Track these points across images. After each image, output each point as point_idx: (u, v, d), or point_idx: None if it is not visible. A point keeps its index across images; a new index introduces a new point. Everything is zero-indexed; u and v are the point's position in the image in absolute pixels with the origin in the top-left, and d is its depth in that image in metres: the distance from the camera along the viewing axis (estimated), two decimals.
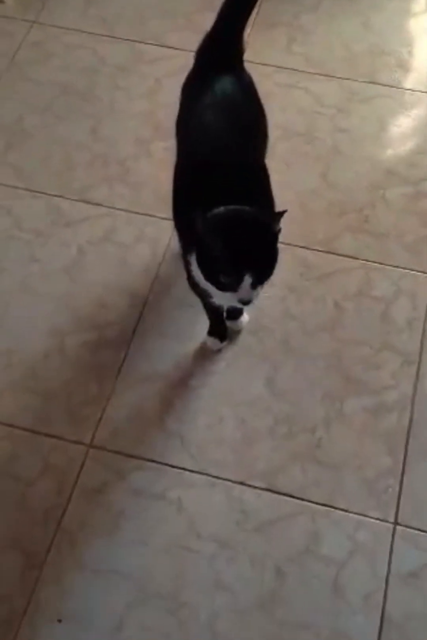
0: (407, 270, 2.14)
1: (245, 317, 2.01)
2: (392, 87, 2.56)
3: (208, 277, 1.59)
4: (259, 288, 1.57)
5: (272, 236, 1.58)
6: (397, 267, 2.15)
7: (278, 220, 1.57)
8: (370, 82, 2.57)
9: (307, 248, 2.18)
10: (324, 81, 2.58)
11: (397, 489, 1.80)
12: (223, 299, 1.66)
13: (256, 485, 1.80)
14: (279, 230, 1.58)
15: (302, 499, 1.79)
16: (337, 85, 2.56)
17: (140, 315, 2.07)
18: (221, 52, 1.86)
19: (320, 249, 2.18)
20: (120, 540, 1.74)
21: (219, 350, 2.00)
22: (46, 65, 2.64)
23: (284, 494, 1.79)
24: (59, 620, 1.65)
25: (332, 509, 1.78)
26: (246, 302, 1.59)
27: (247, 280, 1.54)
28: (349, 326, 2.05)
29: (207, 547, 1.73)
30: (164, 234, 2.21)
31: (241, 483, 1.81)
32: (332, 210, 2.25)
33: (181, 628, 1.64)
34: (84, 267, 2.17)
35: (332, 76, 2.59)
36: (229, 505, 1.78)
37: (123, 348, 2.01)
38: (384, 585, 1.69)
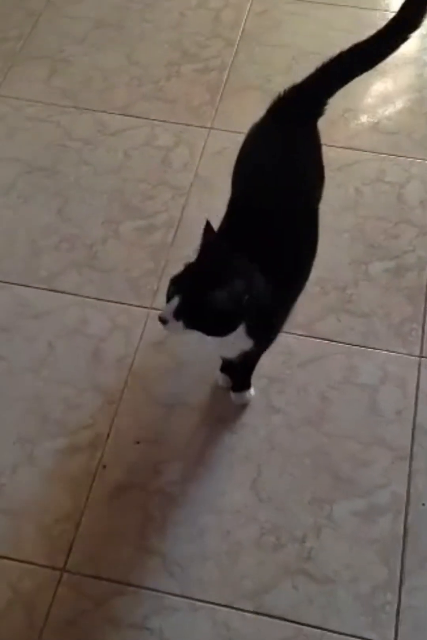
0: (393, 353, 2.03)
1: (251, 392, 1.93)
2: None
3: None
4: (183, 326, 1.53)
5: (213, 298, 1.52)
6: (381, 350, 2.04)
7: (227, 297, 1.51)
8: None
9: (289, 332, 2.05)
10: None
11: (395, 606, 1.67)
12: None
13: (244, 607, 1.68)
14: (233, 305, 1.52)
15: (294, 622, 1.66)
16: None
17: (114, 414, 1.94)
18: (304, 106, 1.83)
19: (300, 334, 2.07)
20: None
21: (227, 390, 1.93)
22: (10, 140, 2.52)
23: (274, 617, 1.66)
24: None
25: (326, 632, 1.65)
26: (161, 320, 1.55)
27: (174, 302, 1.52)
28: (335, 419, 1.93)
29: None
30: (138, 323, 2.09)
31: (227, 606, 1.68)
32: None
33: None
34: (53, 363, 2.03)
35: None
36: (215, 633, 1.65)
37: (96, 455, 1.88)
38: None
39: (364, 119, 2.58)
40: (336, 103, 1.89)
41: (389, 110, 2.61)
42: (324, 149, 1.90)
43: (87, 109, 2.60)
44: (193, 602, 1.68)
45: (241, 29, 2.84)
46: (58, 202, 2.36)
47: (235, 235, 1.67)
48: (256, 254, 1.59)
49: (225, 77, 2.69)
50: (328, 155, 2.01)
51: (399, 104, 2.62)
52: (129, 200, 2.37)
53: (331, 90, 1.84)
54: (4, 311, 2.13)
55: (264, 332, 1.70)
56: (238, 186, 1.81)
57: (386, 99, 2.63)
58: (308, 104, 1.84)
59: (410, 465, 1.86)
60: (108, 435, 1.90)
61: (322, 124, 1.89)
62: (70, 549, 1.74)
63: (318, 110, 1.85)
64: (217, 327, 1.56)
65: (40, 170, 2.44)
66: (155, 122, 2.56)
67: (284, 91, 1.83)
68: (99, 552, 1.75)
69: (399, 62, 2.68)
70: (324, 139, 1.90)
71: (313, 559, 1.74)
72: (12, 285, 2.18)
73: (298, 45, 2.78)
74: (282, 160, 1.77)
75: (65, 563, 1.73)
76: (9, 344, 2.07)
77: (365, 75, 1.85)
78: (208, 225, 1.60)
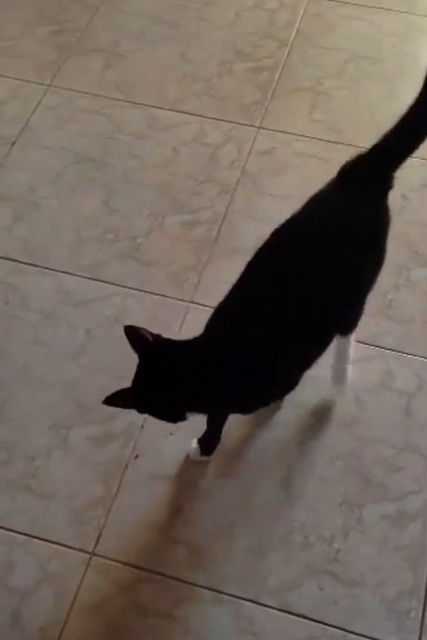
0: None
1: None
2: None
3: None
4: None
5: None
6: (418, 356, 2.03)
7: None
8: None
9: None
10: None
11: (420, 612, 1.66)
12: None
13: (268, 603, 1.68)
14: None
15: (318, 621, 1.66)
16: None
17: None
18: (376, 176, 1.66)
19: None
20: None
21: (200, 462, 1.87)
22: (61, 130, 2.55)
23: (298, 615, 1.66)
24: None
25: (350, 634, 1.64)
26: None
27: None
28: (369, 422, 1.92)
29: None
30: (177, 316, 2.10)
31: (251, 600, 1.68)
32: None
33: None
34: (92, 352, 2.06)
35: None
36: (239, 626, 1.65)
37: (130, 443, 1.90)
38: None
39: None
40: None
41: None
42: None
43: (138, 104, 2.63)
44: (218, 594, 1.69)
45: (295, 31, 2.85)
46: (105, 194, 2.39)
47: (252, 289, 1.60)
48: (267, 314, 1.55)
49: (276, 77, 2.70)
50: None
51: None
52: (176, 194, 2.38)
53: (400, 160, 1.66)
54: (47, 298, 2.16)
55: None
56: (277, 240, 1.65)
57: None
58: (379, 174, 1.66)
59: None
60: (142, 426, 1.91)
61: None
62: (99, 534, 1.76)
63: (389, 182, 1.67)
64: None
65: (89, 162, 2.47)
66: (206, 119, 2.58)
67: (354, 158, 1.67)
68: (128, 539, 1.77)
69: None
70: None
71: (340, 561, 1.73)
72: (56, 273, 2.21)
73: (351, 49, 2.77)
74: (335, 229, 1.62)
75: (95, 547, 1.75)
76: (51, 330, 2.10)
77: None
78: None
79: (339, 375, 1.92)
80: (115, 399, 1.53)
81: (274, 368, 1.58)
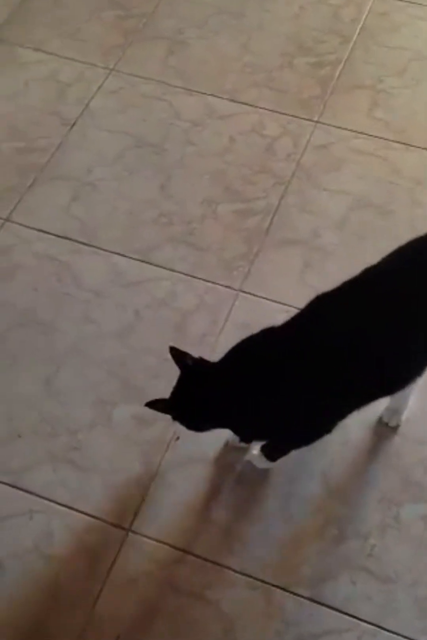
0: None
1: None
2: None
3: None
4: None
5: None
6: None
7: None
8: None
9: None
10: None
11: None
12: None
13: (300, 593, 1.68)
14: None
15: (350, 615, 1.66)
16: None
17: None
18: None
19: None
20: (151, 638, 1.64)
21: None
22: (121, 114, 2.58)
23: (330, 607, 1.67)
24: None
25: (382, 630, 1.64)
26: None
27: None
28: (413, 424, 1.91)
29: None
30: (225, 304, 2.11)
31: (283, 589, 1.69)
32: None
33: None
34: (139, 332, 2.08)
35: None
36: (270, 613, 1.66)
37: (172, 425, 1.91)
38: None
39: None
40: None
41: None
42: None
43: (198, 92, 2.64)
44: (251, 580, 1.70)
45: (360, 27, 2.83)
46: (161, 178, 2.41)
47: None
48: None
49: (337, 73, 2.69)
50: None
51: None
52: (230, 183, 2.40)
53: None
54: (99, 277, 2.19)
55: None
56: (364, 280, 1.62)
57: None
58: None
59: None
60: None
61: None
62: (137, 511, 1.78)
63: None
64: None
65: (148, 146, 2.50)
66: (264, 110, 2.58)
67: None
68: (165, 518, 1.79)
69: None
70: None
71: (375, 557, 1.73)
72: (109, 253, 2.24)
73: (416, 49, 2.75)
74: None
75: (132, 524, 1.77)
76: (100, 308, 2.13)
77: None
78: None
79: (391, 416, 1.90)
80: (155, 404, 1.64)
81: (312, 413, 1.60)
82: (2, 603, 1.67)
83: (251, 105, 2.59)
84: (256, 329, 2.00)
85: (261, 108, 2.59)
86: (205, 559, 1.73)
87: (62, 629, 1.64)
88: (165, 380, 1.94)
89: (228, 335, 2.06)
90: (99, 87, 2.65)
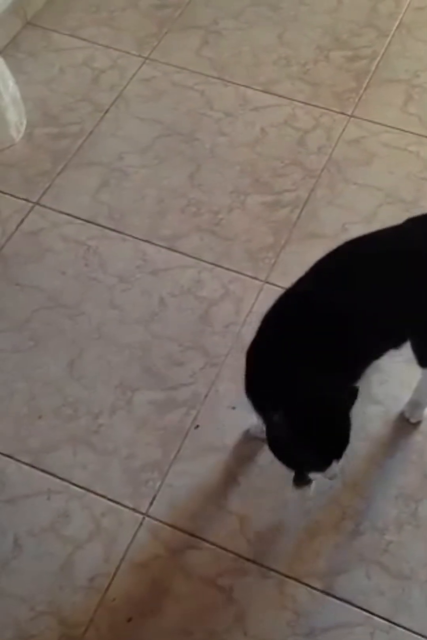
0: None
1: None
2: None
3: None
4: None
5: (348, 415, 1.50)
6: None
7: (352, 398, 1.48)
8: None
9: None
10: None
11: None
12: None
13: (313, 585, 1.68)
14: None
15: (363, 609, 1.65)
16: None
17: (215, 378, 1.97)
18: None
19: None
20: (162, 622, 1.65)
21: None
22: (154, 103, 2.59)
23: (342, 600, 1.66)
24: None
25: (395, 626, 1.63)
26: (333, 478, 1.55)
27: (335, 465, 1.50)
28: None
29: None
30: (251, 294, 2.11)
31: (296, 579, 1.69)
32: None
33: None
34: (163, 319, 2.09)
35: None
36: (282, 603, 1.66)
37: (191, 413, 1.92)
38: None
39: None
40: None
41: None
42: None
43: (231, 82, 2.64)
44: (264, 569, 1.70)
45: (398, 22, 2.81)
46: (191, 167, 2.41)
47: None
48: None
49: (373, 67, 2.67)
50: None
51: None
52: (260, 174, 2.39)
53: None
54: (125, 263, 2.20)
55: None
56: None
57: None
58: None
59: None
60: (206, 396, 1.93)
61: None
62: (154, 497, 1.79)
63: None
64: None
65: (179, 135, 2.50)
66: (297, 102, 2.57)
67: None
68: (182, 505, 1.80)
69: None
70: None
71: (391, 553, 1.72)
72: (136, 240, 2.25)
73: None
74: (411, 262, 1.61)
75: (148, 509, 1.78)
76: (125, 294, 2.14)
77: None
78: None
79: (413, 410, 1.89)
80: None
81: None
82: (17, 580, 1.69)
83: (284, 97, 2.58)
84: None
85: (294, 100, 2.58)
86: (220, 547, 1.73)
87: (75, 609, 1.66)
88: (187, 368, 1.97)
89: (252, 326, 2.05)
90: (133, 75, 2.66)
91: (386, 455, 1.85)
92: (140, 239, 2.25)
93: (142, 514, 1.77)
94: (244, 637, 1.62)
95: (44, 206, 2.33)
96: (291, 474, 1.63)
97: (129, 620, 1.64)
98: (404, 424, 1.88)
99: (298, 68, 2.67)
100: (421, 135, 2.48)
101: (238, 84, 2.63)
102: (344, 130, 2.50)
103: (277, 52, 2.72)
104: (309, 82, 2.63)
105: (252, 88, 2.62)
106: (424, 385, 1.81)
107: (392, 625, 1.63)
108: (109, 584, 1.68)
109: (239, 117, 2.54)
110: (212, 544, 1.73)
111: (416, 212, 2.19)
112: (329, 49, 2.73)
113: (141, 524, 1.76)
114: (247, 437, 1.88)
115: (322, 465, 1.51)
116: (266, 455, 1.83)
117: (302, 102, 2.57)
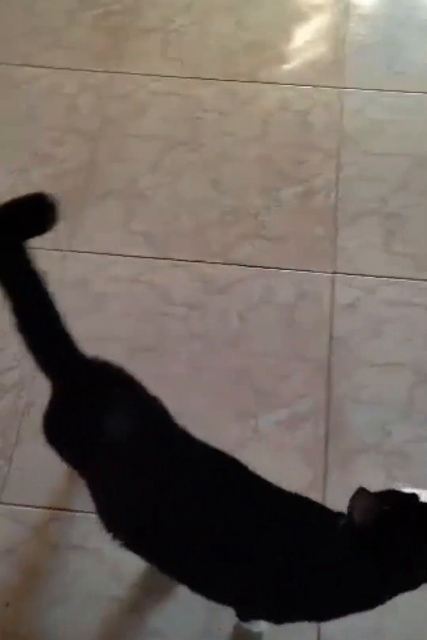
0: None
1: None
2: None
3: None
4: None
5: None
6: None
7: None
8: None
9: None
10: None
11: None
12: None
13: None
14: None
15: None
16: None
17: (327, 381, 1.93)
18: None
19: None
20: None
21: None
22: (141, 117, 2.48)
23: None
24: None
25: None
26: None
27: None
28: None
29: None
30: (324, 289, 2.08)
31: None
32: None
33: None
34: (250, 336, 2.02)
35: None
36: None
37: (319, 422, 1.87)
38: None
39: None
40: None
41: None
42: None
43: (210, 79, 2.56)
44: None
45: None
46: (209, 175, 2.33)
47: None
48: None
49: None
50: None
51: None
52: (281, 166, 2.35)
53: None
54: (188, 289, 2.10)
55: None
56: None
57: None
58: None
59: None
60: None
61: None
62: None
63: None
64: None
65: (182, 145, 2.41)
66: (284, 86, 2.54)
67: None
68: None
69: None
70: None
71: None
72: (188, 263, 2.15)
73: None
74: None
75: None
76: (202, 321, 2.05)
77: None
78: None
79: None
80: None
81: None
82: None
83: (270, 83, 2.54)
84: (364, 306, 1.98)
85: (280, 84, 2.54)
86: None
87: None
88: (296, 379, 1.92)
89: (340, 318, 2.03)
90: (108, 94, 2.52)
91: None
92: (191, 261, 2.15)
93: None
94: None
95: (77, 251, 2.18)
96: None
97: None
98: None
99: (271, 52, 2.63)
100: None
101: (219, 80, 2.57)
102: (343, 104, 2.49)
103: (241, 40, 2.66)
104: (287, 63, 2.60)
105: (233, 81, 2.56)
106: None
107: None
108: None
109: (233, 114, 2.48)
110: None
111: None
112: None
113: None
114: None
115: None
116: (416, 445, 1.82)
117: (290, 84, 2.54)
